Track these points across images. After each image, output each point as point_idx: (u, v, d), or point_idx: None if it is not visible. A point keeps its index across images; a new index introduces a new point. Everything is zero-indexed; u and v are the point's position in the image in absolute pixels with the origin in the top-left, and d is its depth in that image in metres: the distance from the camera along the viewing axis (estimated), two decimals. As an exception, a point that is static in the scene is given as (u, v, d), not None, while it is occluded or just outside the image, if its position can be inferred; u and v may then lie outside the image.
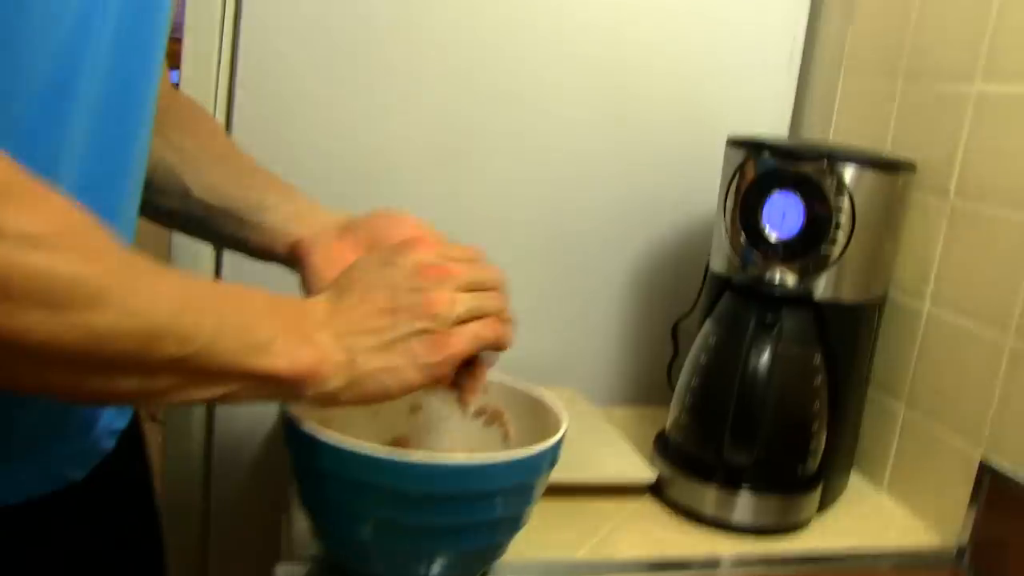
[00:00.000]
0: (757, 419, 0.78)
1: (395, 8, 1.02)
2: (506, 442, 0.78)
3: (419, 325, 0.58)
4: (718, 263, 0.91)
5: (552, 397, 0.74)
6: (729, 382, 0.80)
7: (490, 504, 0.64)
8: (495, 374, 0.78)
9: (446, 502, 0.62)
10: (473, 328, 0.60)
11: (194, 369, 0.49)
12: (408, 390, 0.59)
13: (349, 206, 1.04)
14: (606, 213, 1.14)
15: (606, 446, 0.97)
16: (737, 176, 0.88)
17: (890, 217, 0.88)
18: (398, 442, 0.80)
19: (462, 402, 0.66)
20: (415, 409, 0.80)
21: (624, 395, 1.19)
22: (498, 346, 0.63)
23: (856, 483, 1.00)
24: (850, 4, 1.09)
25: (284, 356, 0.52)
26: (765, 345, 0.78)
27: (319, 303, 0.58)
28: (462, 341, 0.59)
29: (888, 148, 1.00)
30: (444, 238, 0.66)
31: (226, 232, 0.73)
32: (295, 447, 0.65)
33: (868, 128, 1.04)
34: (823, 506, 0.91)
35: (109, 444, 0.71)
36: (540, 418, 0.73)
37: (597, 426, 1.02)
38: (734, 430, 0.79)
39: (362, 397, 0.58)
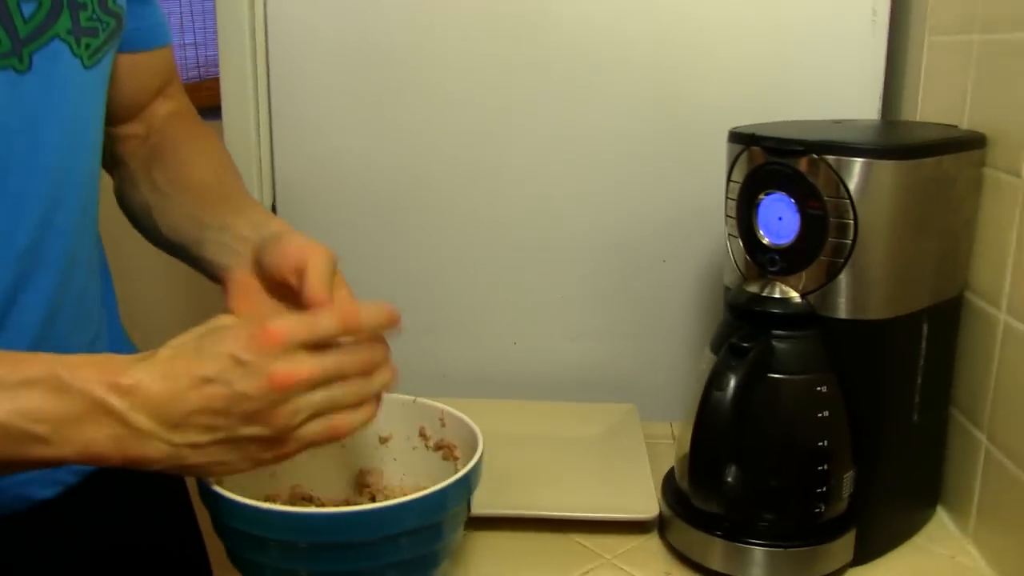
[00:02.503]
0: (715, 461, 0.67)
1: (419, 19, 1.00)
2: (456, 476, 0.75)
3: (255, 431, 0.55)
4: (727, 275, 0.80)
5: (477, 432, 0.69)
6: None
7: (374, 551, 0.62)
8: (451, 408, 0.75)
9: (333, 551, 0.61)
10: (311, 432, 0.57)
11: None
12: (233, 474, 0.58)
13: (390, 225, 1.06)
14: (664, 216, 1.04)
15: (626, 473, 0.88)
16: (731, 175, 0.77)
17: (926, 214, 0.73)
18: (363, 474, 0.79)
19: None
20: (384, 440, 0.80)
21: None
22: (336, 439, 0.59)
23: (939, 525, 0.83)
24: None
25: (69, 444, 0.51)
26: (730, 374, 0.67)
27: (145, 381, 0.53)
28: (297, 445, 0.57)
29: (965, 121, 0.82)
30: (322, 272, 0.63)
31: (189, 263, 0.75)
32: (201, 497, 0.66)
33: (949, 98, 0.86)
34: (871, 554, 0.77)
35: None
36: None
37: (630, 449, 0.94)
38: (693, 473, 0.68)
39: (185, 474, 0.58)
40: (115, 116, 0.78)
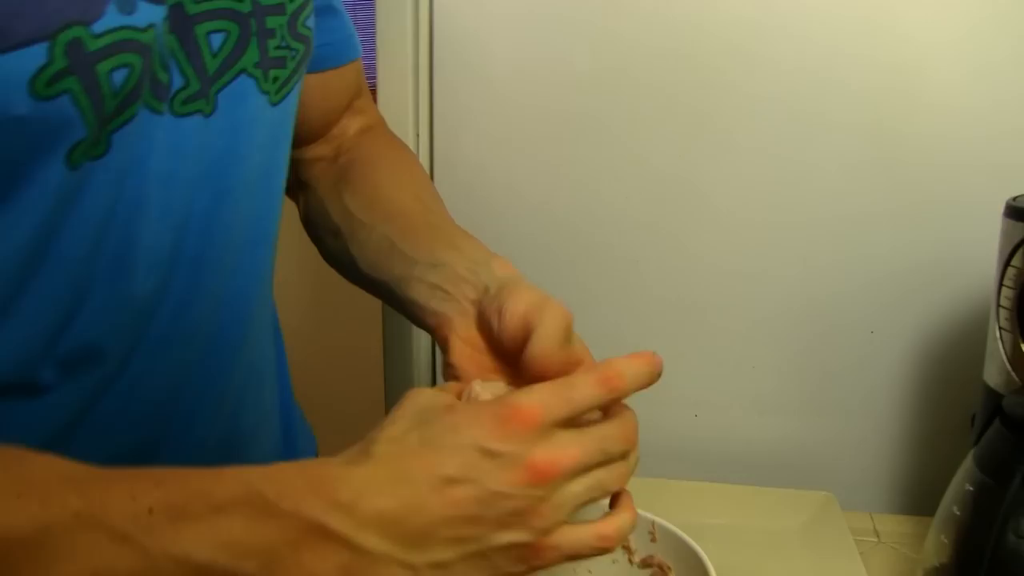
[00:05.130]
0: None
1: (604, 52, 0.92)
2: (668, 605, 0.65)
3: (510, 538, 0.43)
4: (991, 374, 0.68)
5: (705, 559, 0.59)
6: (981, 551, 0.58)
7: None
8: (664, 522, 0.65)
9: None
10: (573, 541, 0.45)
11: None
12: None
13: (555, 279, 0.96)
14: (873, 282, 0.93)
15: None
16: (1015, 258, 0.65)
17: None
18: (556, 583, 0.70)
19: None
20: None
21: (900, 501, 0.96)
22: (604, 552, 0.47)
23: None
24: None
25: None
26: (1029, 511, 0.56)
27: (370, 491, 0.42)
28: (556, 555, 0.45)
29: None
30: (553, 332, 0.51)
31: (392, 304, 0.65)
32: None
33: None
34: None
35: None
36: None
37: (838, 550, 0.82)
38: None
39: None
40: (302, 138, 0.70)
